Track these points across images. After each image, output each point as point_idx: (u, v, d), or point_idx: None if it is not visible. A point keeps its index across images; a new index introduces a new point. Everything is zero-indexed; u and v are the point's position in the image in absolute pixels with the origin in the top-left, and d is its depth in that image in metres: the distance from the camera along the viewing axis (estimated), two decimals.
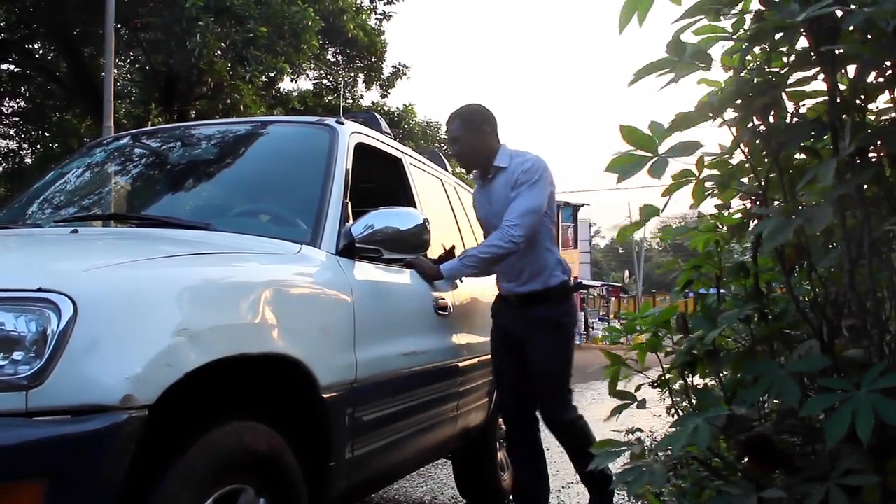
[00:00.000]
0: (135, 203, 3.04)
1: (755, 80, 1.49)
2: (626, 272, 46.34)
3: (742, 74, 1.53)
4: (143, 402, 1.48)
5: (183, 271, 1.78)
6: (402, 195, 3.51)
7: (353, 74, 21.05)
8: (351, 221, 2.62)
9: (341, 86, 17.44)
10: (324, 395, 2.11)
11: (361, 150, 3.01)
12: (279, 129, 3.30)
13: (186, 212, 2.73)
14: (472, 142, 3.33)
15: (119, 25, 12.88)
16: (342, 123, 2.99)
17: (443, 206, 4.05)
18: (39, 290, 1.44)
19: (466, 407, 3.49)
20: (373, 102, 20.62)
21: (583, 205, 34.91)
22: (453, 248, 3.61)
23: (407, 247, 2.66)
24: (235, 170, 3.00)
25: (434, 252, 3.38)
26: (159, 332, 1.56)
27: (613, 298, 39.34)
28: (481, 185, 3.46)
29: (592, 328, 29.54)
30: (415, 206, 3.41)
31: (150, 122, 12.23)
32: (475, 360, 3.56)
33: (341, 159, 2.79)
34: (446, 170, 4.49)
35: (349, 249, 2.53)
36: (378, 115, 3.95)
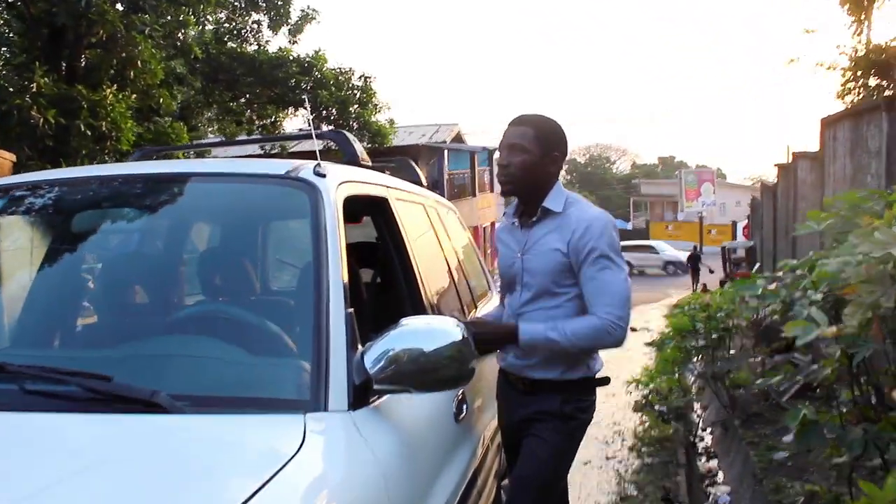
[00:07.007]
0: (34, 330, 2.08)
1: None
2: None
3: None
4: None
5: None
6: (390, 240, 2.69)
7: (257, 17, 19.46)
8: (360, 346, 1.78)
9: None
10: None
11: (349, 203, 2.18)
12: (237, 191, 2.26)
13: (120, 356, 1.82)
14: (536, 163, 2.53)
15: None
16: (323, 175, 2.08)
17: (429, 236, 3.24)
18: None
19: None
20: (280, 48, 19.07)
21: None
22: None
23: (441, 379, 1.77)
24: (184, 267, 2.08)
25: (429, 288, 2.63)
26: None
27: None
28: (514, 224, 2.68)
29: None
30: (405, 248, 2.60)
31: (35, 83, 10.72)
32: (486, 448, 2.85)
33: (333, 235, 1.92)
34: (420, 183, 3.68)
35: (364, 392, 1.71)
36: (349, 135, 3.07)
